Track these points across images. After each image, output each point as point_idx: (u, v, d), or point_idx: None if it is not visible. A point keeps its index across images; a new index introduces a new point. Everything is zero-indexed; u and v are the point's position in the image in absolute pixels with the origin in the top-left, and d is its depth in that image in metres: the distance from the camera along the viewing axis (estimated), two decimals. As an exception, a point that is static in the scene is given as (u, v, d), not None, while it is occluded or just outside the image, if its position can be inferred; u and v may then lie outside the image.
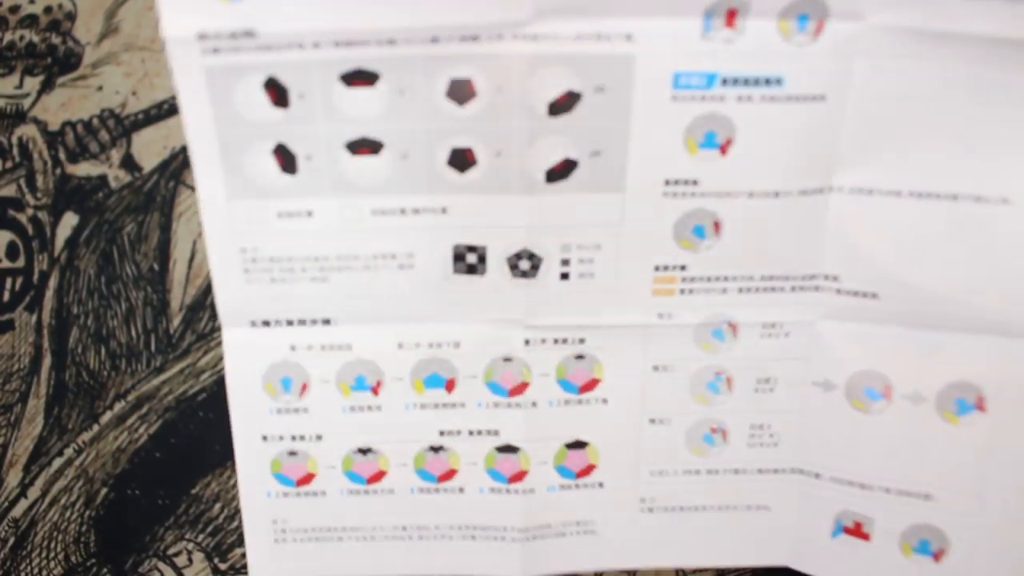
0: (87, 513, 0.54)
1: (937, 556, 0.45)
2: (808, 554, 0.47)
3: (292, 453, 0.45)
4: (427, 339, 0.44)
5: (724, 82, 0.39)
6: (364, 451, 0.45)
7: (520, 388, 0.45)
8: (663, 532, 0.47)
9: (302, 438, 0.45)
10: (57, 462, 0.52)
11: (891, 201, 0.42)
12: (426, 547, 0.47)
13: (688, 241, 0.42)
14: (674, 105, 0.39)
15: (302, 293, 0.42)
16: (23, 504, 0.52)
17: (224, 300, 0.42)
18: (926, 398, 0.43)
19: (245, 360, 0.44)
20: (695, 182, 0.41)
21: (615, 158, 0.40)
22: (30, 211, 0.48)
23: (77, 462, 0.52)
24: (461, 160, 0.40)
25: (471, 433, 0.45)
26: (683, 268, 0.43)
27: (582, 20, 0.37)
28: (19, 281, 0.48)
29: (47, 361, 0.50)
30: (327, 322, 0.43)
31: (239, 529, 0.53)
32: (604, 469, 0.46)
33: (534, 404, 0.45)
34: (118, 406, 0.51)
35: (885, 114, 0.40)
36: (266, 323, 0.43)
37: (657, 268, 0.43)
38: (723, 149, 0.40)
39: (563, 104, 0.39)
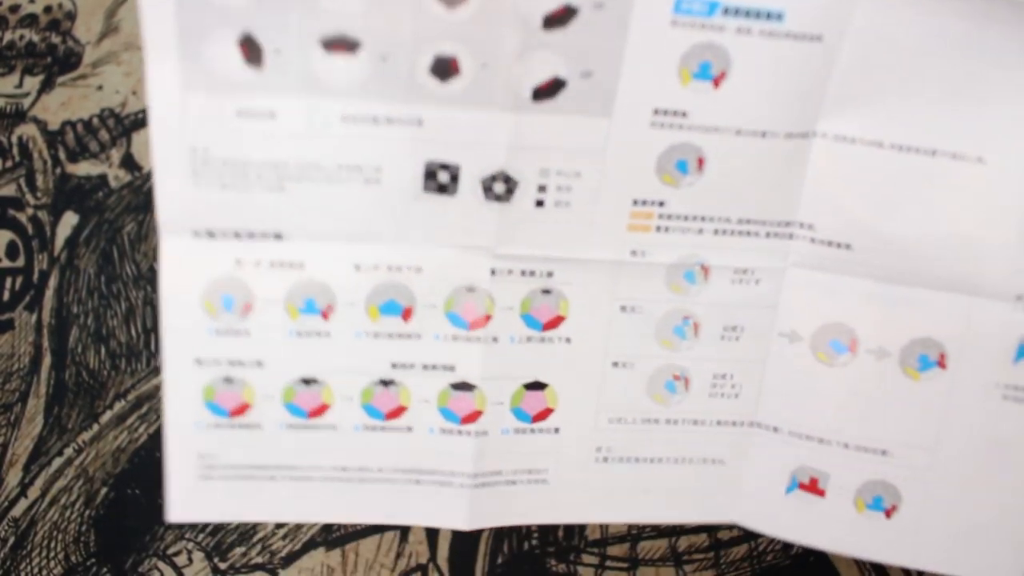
0: (87, 513, 0.51)
1: (889, 512, 0.44)
2: (761, 511, 0.46)
3: (228, 380, 0.41)
4: (386, 261, 0.40)
5: (726, 11, 0.37)
6: (308, 381, 0.41)
7: (481, 321, 0.42)
8: (616, 484, 0.45)
9: (240, 363, 0.41)
10: (57, 462, 0.50)
11: (872, 151, 0.41)
12: (367, 491, 0.44)
13: (670, 176, 0.40)
14: (672, 30, 0.37)
15: (254, 203, 0.38)
16: (23, 504, 0.50)
17: (166, 204, 0.38)
18: (890, 353, 0.43)
19: (184, 273, 0.39)
20: (684, 114, 0.39)
21: (606, 81, 0.38)
22: (30, 210, 0.46)
23: (77, 462, 0.51)
24: (444, 68, 0.37)
25: (425, 367, 0.42)
26: (662, 204, 0.41)
27: None
28: (19, 280, 0.47)
29: (47, 360, 0.49)
30: (278, 236, 0.39)
31: (239, 528, 0.52)
32: (561, 413, 0.44)
33: (495, 339, 0.42)
34: (118, 405, 0.50)
35: (877, 62, 0.39)
36: (211, 234, 0.39)
37: (636, 202, 0.41)
38: (716, 82, 0.39)
39: (559, 17, 0.36)
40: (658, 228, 0.41)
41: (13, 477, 0.50)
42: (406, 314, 0.41)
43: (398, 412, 0.43)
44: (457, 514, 0.44)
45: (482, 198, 0.39)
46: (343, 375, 0.42)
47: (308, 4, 0.35)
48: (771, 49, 0.38)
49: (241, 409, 0.42)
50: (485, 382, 0.43)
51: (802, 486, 0.45)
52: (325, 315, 0.41)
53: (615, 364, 0.44)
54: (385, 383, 0.42)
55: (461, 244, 0.40)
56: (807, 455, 0.45)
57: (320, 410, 0.42)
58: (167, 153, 0.37)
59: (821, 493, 0.45)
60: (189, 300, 0.40)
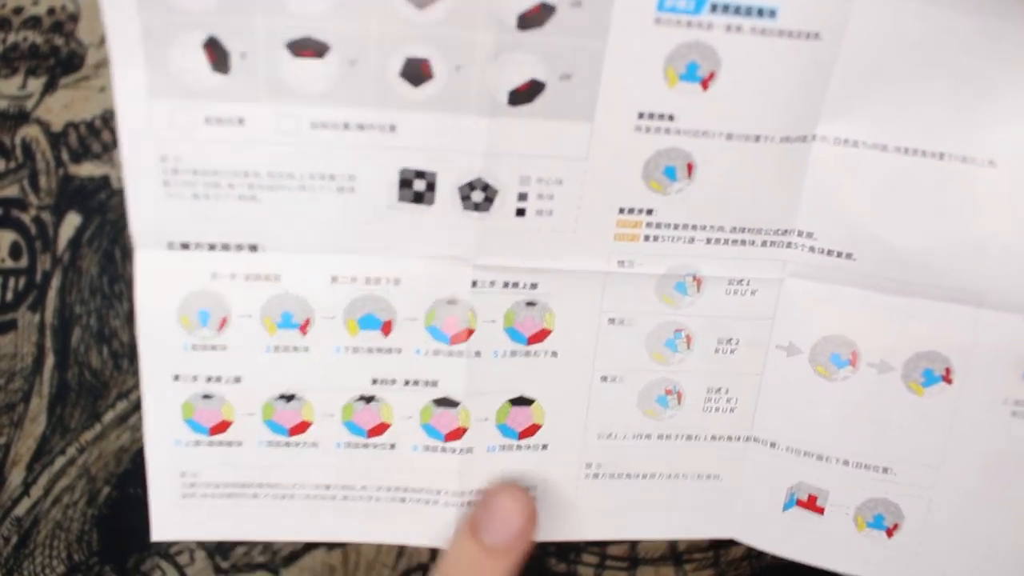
0: (90, 512, 0.49)
1: (891, 531, 0.39)
2: (758, 527, 0.41)
3: (207, 396, 0.37)
4: (364, 273, 0.36)
5: (714, 8, 0.32)
6: (287, 398, 0.37)
7: (464, 335, 0.37)
8: (608, 501, 0.41)
9: (219, 379, 0.37)
10: (60, 461, 0.47)
11: (876, 155, 0.36)
12: (351, 509, 0.39)
13: (658, 182, 0.36)
14: (657, 29, 0.33)
15: (228, 213, 0.34)
16: (26, 503, 0.47)
17: (138, 217, 0.34)
18: (893, 367, 0.38)
19: (159, 287, 0.35)
20: (671, 117, 0.34)
21: (586, 83, 0.33)
22: (33, 211, 0.43)
23: (80, 461, 0.48)
24: (416, 72, 0.33)
25: (407, 383, 0.38)
26: (650, 212, 0.36)
27: None
28: (22, 281, 0.44)
29: (50, 361, 0.46)
30: (254, 248, 0.35)
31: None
32: (549, 429, 0.39)
33: (478, 354, 0.38)
34: (120, 405, 0.47)
35: (880, 60, 0.34)
36: (185, 246, 0.35)
37: (622, 210, 0.36)
38: (705, 83, 0.34)
39: (535, 16, 0.32)
40: (646, 237, 0.37)
41: (16, 476, 0.47)
42: (386, 328, 0.37)
43: (380, 429, 0.38)
44: (444, 532, 0.40)
45: (460, 207, 0.35)
46: (323, 391, 0.38)
47: (273, 7, 0.31)
48: (764, 48, 0.33)
49: (221, 427, 0.38)
50: (469, 398, 0.38)
51: (800, 503, 0.40)
52: (303, 329, 0.37)
53: (604, 378, 0.39)
54: (366, 399, 0.38)
55: (440, 255, 0.36)
56: (805, 472, 0.40)
57: (301, 428, 0.38)
58: (137, 163, 0.33)
59: (820, 511, 0.40)
60: (165, 314, 0.36)
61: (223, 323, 0.36)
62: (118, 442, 0.47)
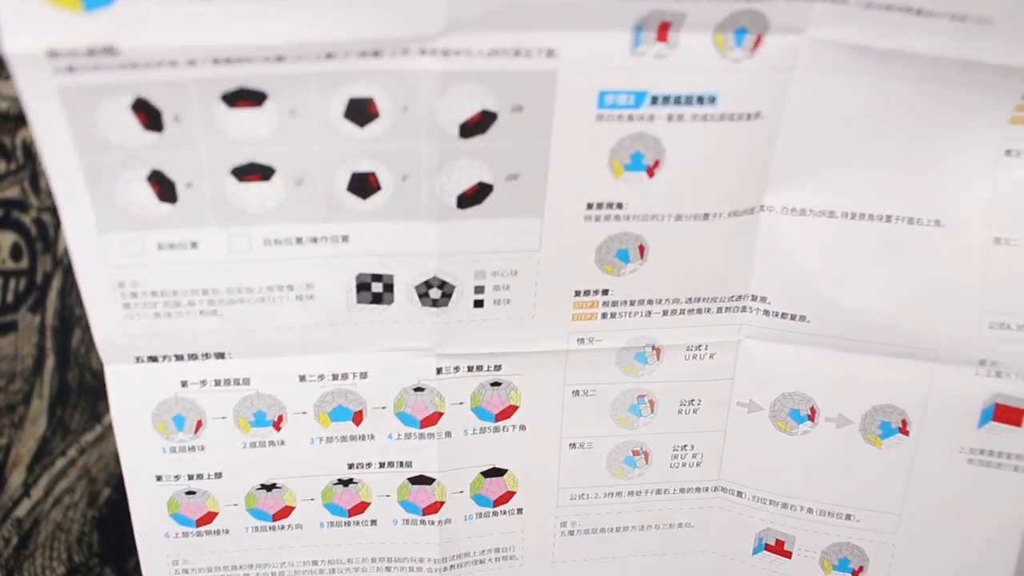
0: (90, 513, 0.50)
1: (856, 573, 0.41)
2: (730, 569, 0.43)
3: (190, 492, 0.38)
4: (331, 370, 0.37)
5: (654, 100, 0.32)
6: (268, 487, 0.38)
7: (433, 418, 0.38)
8: (585, 554, 0.42)
9: (200, 476, 0.38)
10: (60, 462, 0.48)
11: (824, 221, 0.36)
12: None
13: (611, 265, 0.36)
14: (599, 125, 0.33)
15: (192, 327, 0.35)
16: (26, 504, 0.47)
17: (103, 336, 0.34)
18: (851, 421, 0.39)
19: (131, 398, 0.36)
20: (620, 205, 0.35)
21: (534, 182, 0.34)
22: (34, 212, 0.43)
23: (80, 462, 0.49)
24: (363, 185, 0.33)
25: (382, 465, 0.39)
26: (606, 292, 0.37)
27: (499, 34, 0.30)
28: (23, 282, 0.44)
29: (50, 362, 0.46)
30: (221, 356, 0.36)
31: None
32: (523, 495, 0.41)
33: (448, 434, 0.39)
34: None
35: (821, 132, 0.34)
36: (153, 359, 0.35)
37: (578, 293, 0.37)
38: (650, 171, 0.34)
39: (476, 125, 0.32)
40: (604, 315, 0.37)
41: (17, 478, 0.47)
42: (357, 418, 0.38)
43: (361, 508, 0.40)
44: None
45: (418, 304, 0.35)
46: (302, 479, 0.39)
47: (214, 136, 0.31)
48: (707, 132, 0.33)
49: (207, 518, 0.39)
50: (443, 474, 0.39)
51: (768, 547, 0.42)
52: (276, 425, 0.37)
53: (572, 445, 0.40)
54: (344, 483, 0.39)
55: (403, 348, 0.37)
56: (772, 519, 0.41)
57: (284, 513, 0.39)
58: (95, 290, 0.33)
59: (787, 555, 0.41)
60: (141, 422, 0.37)
61: (199, 426, 0.37)
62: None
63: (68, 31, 0.28)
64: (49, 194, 0.43)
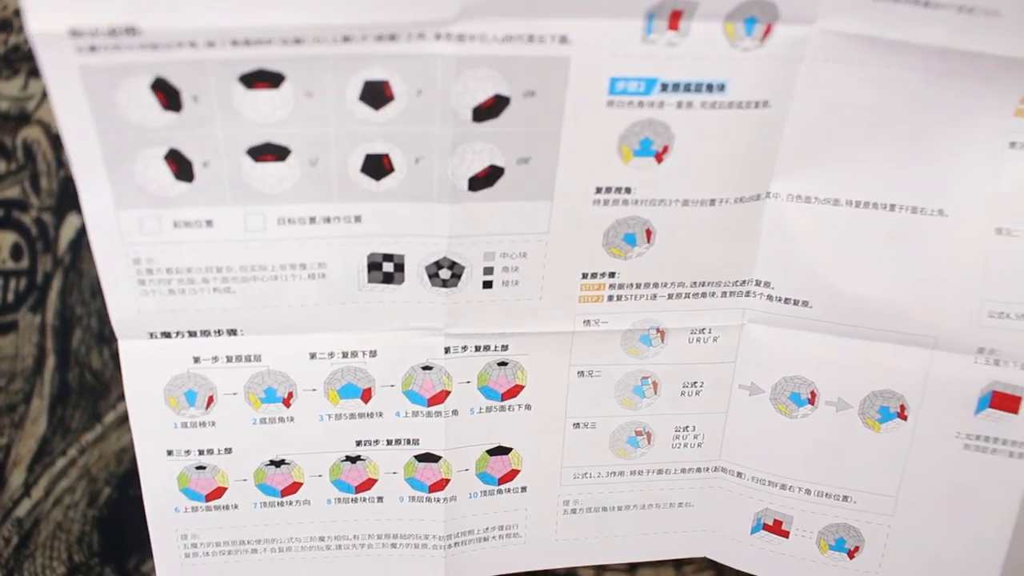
0: (90, 513, 0.50)
1: (852, 553, 0.42)
2: (728, 547, 0.44)
3: (200, 467, 0.39)
4: (341, 348, 0.38)
5: (664, 88, 0.33)
6: (277, 463, 0.39)
7: (440, 397, 0.39)
8: (586, 532, 0.43)
9: (210, 452, 0.39)
10: (60, 462, 0.48)
11: (829, 209, 0.37)
12: (345, 557, 0.42)
13: (618, 248, 0.37)
14: (609, 111, 0.33)
15: (205, 304, 0.35)
16: (27, 504, 0.48)
17: (118, 312, 0.35)
18: (850, 405, 0.40)
19: (144, 373, 0.37)
20: (628, 190, 0.35)
21: (544, 166, 0.34)
22: (34, 212, 0.43)
23: (80, 462, 0.49)
24: (376, 167, 0.33)
25: (389, 443, 0.40)
26: (612, 275, 0.38)
27: (513, 20, 0.31)
28: (23, 282, 0.44)
29: (51, 362, 0.46)
30: (233, 332, 0.36)
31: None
32: (527, 474, 0.42)
33: (455, 412, 0.40)
34: (121, 406, 0.47)
35: (828, 121, 0.35)
36: (166, 334, 0.36)
37: (585, 275, 0.37)
38: (659, 157, 0.35)
39: (489, 109, 0.32)
40: (610, 297, 0.38)
41: (17, 477, 0.48)
42: (365, 395, 0.39)
43: (368, 485, 0.41)
44: (435, 573, 0.43)
45: (428, 284, 0.36)
46: (310, 455, 0.40)
47: (231, 117, 0.31)
48: (715, 120, 0.34)
49: (217, 493, 0.40)
50: (449, 452, 0.40)
51: (766, 527, 0.43)
52: (286, 402, 0.38)
53: (576, 425, 0.41)
54: (352, 459, 0.40)
55: (412, 327, 0.37)
56: (771, 499, 0.42)
57: (292, 488, 0.40)
58: (111, 266, 0.34)
59: (785, 535, 0.42)
60: (153, 397, 0.37)
61: (210, 401, 0.38)
62: (119, 443, 0.48)
63: (90, 11, 0.28)
64: (50, 194, 0.43)
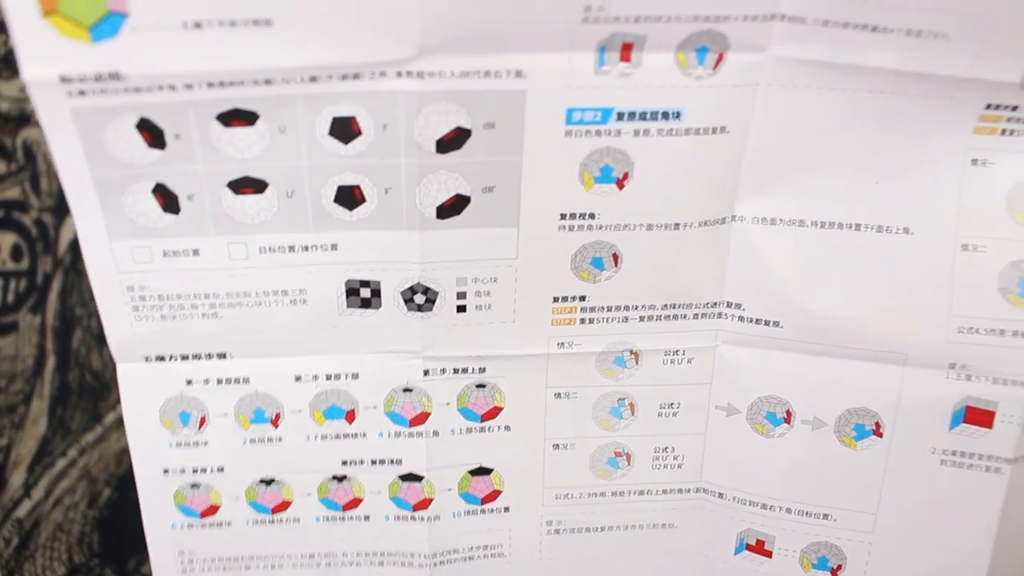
0: (90, 513, 0.51)
1: (835, 571, 0.42)
2: (713, 568, 0.44)
3: (195, 485, 0.41)
4: (324, 371, 0.40)
5: (620, 116, 0.35)
6: (267, 482, 0.42)
7: (421, 418, 0.41)
8: (570, 552, 0.44)
9: (204, 471, 0.41)
10: (61, 463, 0.50)
11: (795, 230, 0.38)
12: (335, 574, 0.44)
13: (587, 272, 0.38)
14: (568, 140, 0.35)
15: (195, 329, 0.38)
16: (27, 504, 0.49)
17: (115, 337, 0.38)
18: (826, 423, 0.40)
19: (141, 395, 0.39)
20: (592, 215, 0.37)
21: (508, 193, 0.36)
22: (34, 213, 0.45)
23: (80, 463, 0.50)
24: (349, 197, 0.36)
25: (374, 463, 0.42)
26: (583, 299, 0.39)
27: (470, 57, 0.33)
28: (23, 283, 0.46)
29: (51, 362, 0.48)
30: (223, 356, 0.39)
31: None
32: (509, 494, 0.43)
33: (436, 433, 0.41)
34: (121, 407, 0.47)
35: (788, 144, 0.36)
36: (160, 358, 0.39)
37: (556, 299, 0.39)
38: (620, 183, 0.36)
39: (452, 141, 0.35)
40: (582, 320, 0.40)
41: (17, 478, 0.48)
42: (349, 416, 0.41)
43: (354, 503, 0.42)
44: None
45: (404, 309, 0.38)
46: (299, 474, 0.42)
47: (211, 153, 0.34)
48: (673, 146, 0.36)
49: (211, 510, 0.42)
50: (432, 472, 0.42)
51: (749, 547, 0.43)
52: (275, 423, 0.40)
53: (556, 446, 0.42)
54: (339, 479, 0.42)
55: (392, 350, 0.39)
56: (752, 519, 0.43)
57: (282, 506, 0.42)
58: (107, 294, 0.37)
59: (768, 554, 0.43)
60: (149, 418, 0.40)
61: (202, 422, 0.40)
62: (119, 444, 0.50)
63: (78, 59, 0.31)
64: (50, 195, 0.45)
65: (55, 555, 0.51)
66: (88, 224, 0.35)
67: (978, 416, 0.39)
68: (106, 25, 0.31)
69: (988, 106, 0.36)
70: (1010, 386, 0.38)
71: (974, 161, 0.37)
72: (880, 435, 0.40)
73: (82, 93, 0.32)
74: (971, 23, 0.33)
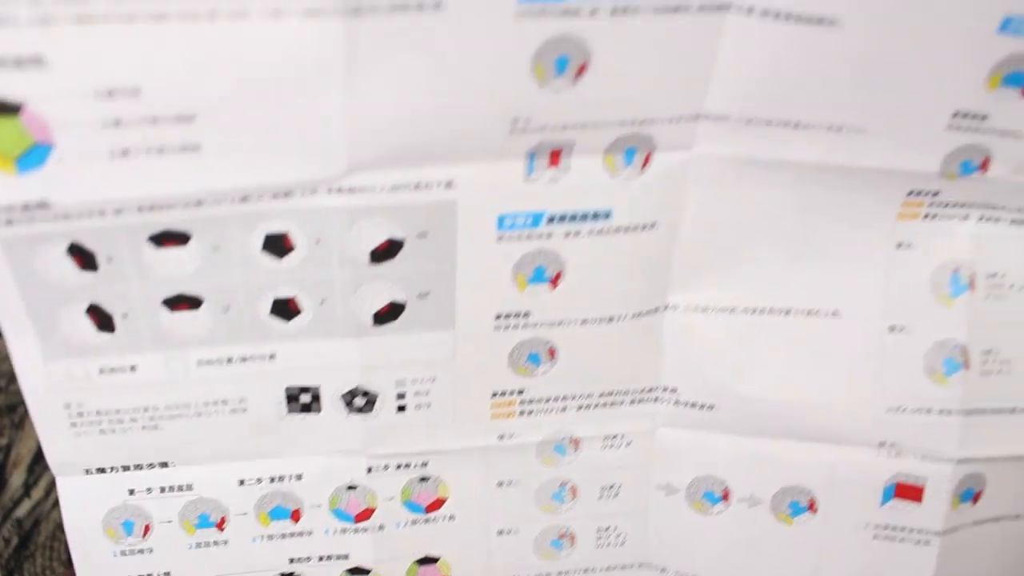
0: None
1: (778, 642, 0.44)
2: (657, 643, 0.46)
3: None
4: (268, 474, 0.40)
5: (551, 219, 0.36)
6: None
7: (366, 513, 0.41)
8: None
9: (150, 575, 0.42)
10: None
11: (726, 317, 0.39)
12: None
13: (524, 368, 0.39)
14: (500, 245, 0.36)
15: (135, 441, 0.38)
16: (27, 504, 0.49)
17: (53, 452, 0.38)
18: (762, 500, 0.42)
19: (82, 507, 0.39)
20: (527, 314, 0.38)
21: (443, 298, 0.37)
22: None
23: None
24: (284, 309, 0.36)
25: (321, 559, 0.42)
26: (521, 392, 0.40)
27: (400, 171, 0.33)
28: None
29: None
30: (164, 465, 0.39)
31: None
32: None
33: (381, 527, 0.42)
34: None
35: (718, 235, 0.38)
36: (101, 470, 0.39)
37: (495, 394, 0.40)
38: (553, 283, 0.37)
39: (385, 251, 0.35)
40: (521, 412, 0.40)
41: (17, 478, 0.48)
42: (295, 516, 0.41)
43: None
44: None
45: (345, 412, 0.39)
46: (247, 574, 0.42)
47: (145, 274, 0.34)
48: (604, 244, 0.37)
49: None
50: (379, 564, 0.43)
51: (693, 621, 0.45)
52: (220, 526, 0.41)
53: (500, 532, 0.43)
54: None
55: (334, 450, 0.40)
56: None
57: None
58: (43, 412, 0.37)
59: (711, 627, 0.45)
60: (91, 528, 0.40)
61: (147, 530, 0.40)
62: None
63: (5, 190, 0.31)
64: None
65: (55, 555, 0.51)
66: (21, 346, 0.35)
67: (908, 491, 0.41)
68: (32, 156, 0.30)
69: (910, 192, 0.37)
70: (938, 462, 0.40)
71: (899, 245, 0.38)
72: (815, 511, 0.41)
73: (10, 222, 0.32)
74: (888, 118, 0.34)
